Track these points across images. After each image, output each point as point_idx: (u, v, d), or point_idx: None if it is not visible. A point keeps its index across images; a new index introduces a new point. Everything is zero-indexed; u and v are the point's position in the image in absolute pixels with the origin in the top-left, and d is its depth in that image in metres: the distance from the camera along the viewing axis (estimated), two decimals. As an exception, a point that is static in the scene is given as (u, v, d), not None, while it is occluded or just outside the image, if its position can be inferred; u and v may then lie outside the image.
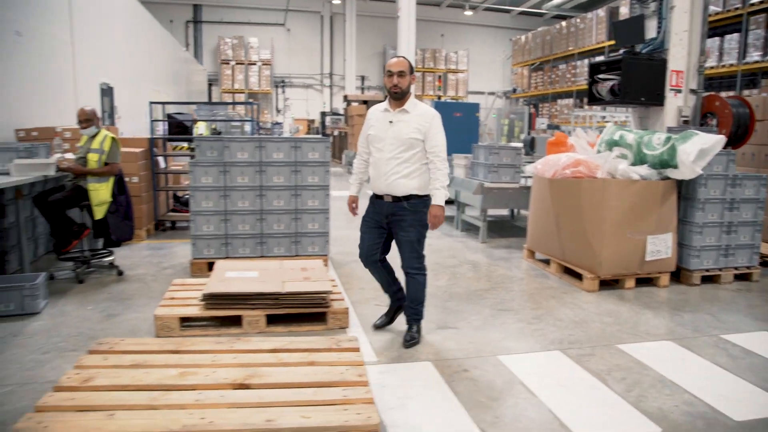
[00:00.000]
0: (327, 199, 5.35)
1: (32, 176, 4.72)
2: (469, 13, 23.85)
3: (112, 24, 10.00)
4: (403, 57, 3.54)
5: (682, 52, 6.17)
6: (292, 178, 5.19)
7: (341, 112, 20.31)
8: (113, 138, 5.06)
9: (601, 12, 17.22)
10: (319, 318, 4.04)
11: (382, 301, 4.68)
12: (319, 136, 17.17)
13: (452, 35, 24.88)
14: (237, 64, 21.73)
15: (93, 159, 4.95)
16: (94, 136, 5.07)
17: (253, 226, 5.20)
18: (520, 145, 8.86)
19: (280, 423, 2.18)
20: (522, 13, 24.31)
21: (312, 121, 22.78)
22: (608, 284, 5.18)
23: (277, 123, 18.93)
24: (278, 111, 22.57)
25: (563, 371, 3.49)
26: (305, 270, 4.37)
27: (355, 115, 12.67)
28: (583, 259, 5.16)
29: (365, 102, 15.80)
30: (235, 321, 3.89)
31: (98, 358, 2.70)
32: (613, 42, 16.42)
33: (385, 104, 3.63)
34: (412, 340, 3.77)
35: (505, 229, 7.98)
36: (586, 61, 18.25)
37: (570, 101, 19.36)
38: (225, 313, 3.85)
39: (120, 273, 5.23)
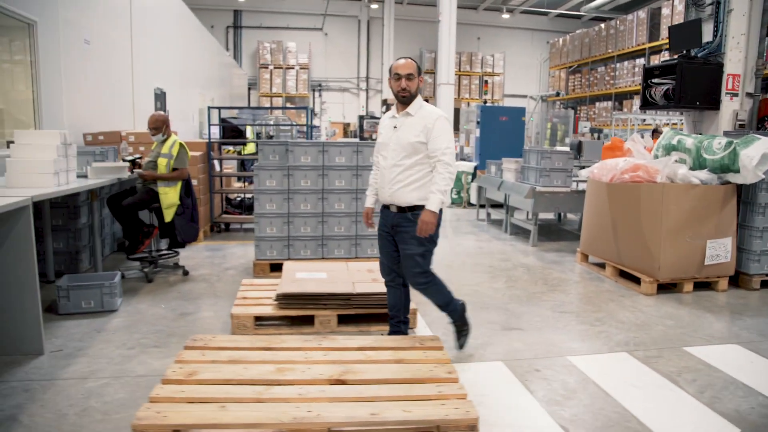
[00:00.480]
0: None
1: (108, 179, 4.94)
2: (506, 16, 23.79)
3: (165, 30, 10.31)
4: (410, 58, 3.37)
5: (739, 56, 6.14)
6: (353, 181, 5.32)
7: (378, 115, 20.46)
8: (182, 144, 5.26)
9: (642, 13, 17.03)
10: (386, 318, 4.14)
11: (444, 303, 4.78)
12: (357, 139, 17.34)
13: (489, 38, 24.81)
14: (275, 68, 22.06)
15: (162, 163, 5.16)
16: (163, 142, 5.27)
17: (314, 229, 5.35)
18: (567, 149, 8.87)
19: (385, 416, 2.29)
20: (560, 15, 24.12)
21: (348, 125, 22.99)
22: (666, 288, 5.18)
23: (314, 126, 19.17)
24: (315, 114, 22.82)
25: (633, 372, 3.53)
26: (371, 272, 4.49)
27: (397, 118, 12.78)
28: (641, 262, 5.17)
29: (404, 105, 15.87)
30: (307, 320, 4.03)
31: (196, 353, 2.85)
32: (654, 44, 16.23)
33: (393, 110, 3.49)
34: (460, 334, 3.68)
35: (553, 232, 7.99)
36: (626, 63, 18.08)
37: (609, 104, 19.16)
38: (298, 312, 3.98)
39: (185, 273, 5.44)
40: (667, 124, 11.63)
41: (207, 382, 2.55)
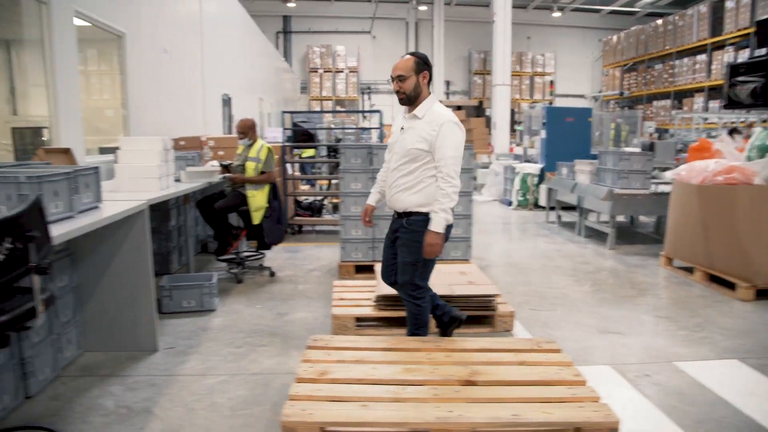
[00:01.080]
0: (470, 205, 5.46)
1: (200, 182, 5.09)
2: (557, 14, 23.46)
3: (230, 38, 10.57)
4: (410, 55, 3.08)
5: (835, 51, 5.89)
6: (436, 184, 5.33)
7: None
8: (269, 148, 5.38)
9: (703, 8, 16.51)
10: (481, 321, 4.16)
11: (536, 305, 4.76)
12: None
13: (539, 37, 24.48)
14: (325, 71, 22.30)
15: (251, 167, 5.28)
16: (250, 146, 5.40)
17: (399, 231, 5.38)
18: (636, 149, 8.70)
19: (527, 417, 2.29)
20: (612, 12, 23.63)
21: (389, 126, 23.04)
22: (765, 294, 5.01)
23: (365, 129, 19.28)
24: (364, 117, 22.97)
25: (748, 380, 3.43)
26: (464, 273, 4.50)
27: (454, 120, 12.77)
28: (736, 267, 5.02)
29: (459, 107, 15.85)
30: (405, 322, 4.06)
31: (321, 353, 2.91)
32: (717, 39, 15.73)
33: (405, 110, 3.22)
34: None
35: (627, 235, 7.83)
36: (685, 60, 17.59)
37: (667, 102, 18.68)
38: (397, 314, 4.02)
39: (272, 274, 5.55)
40: (744, 122, 11.26)
41: (340, 381, 2.60)
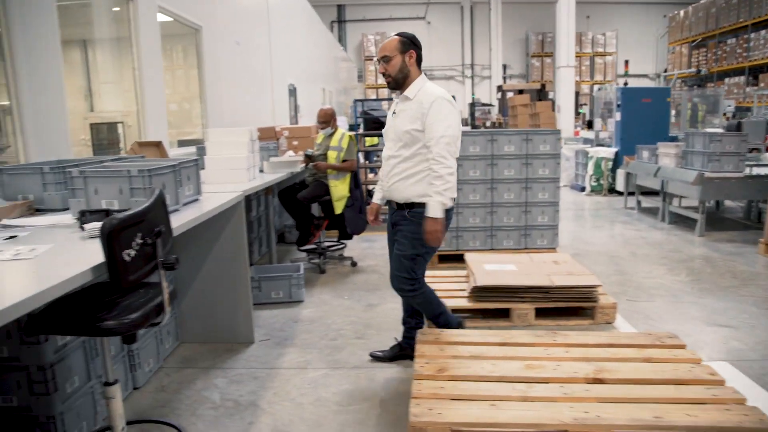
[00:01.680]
0: (557, 192, 5.26)
1: (284, 173, 5.06)
2: (619, -9, 22.52)
3: (294, 28, 10.57)
4: (395, 35, 2.90)
5: None
6: (522, 170, 5.15)
7: (485, 102, 20.06)
8: (350, 136, 5.31)
9: (783, -23, 15.47)
10: (580, 312, 3.98)
11: (633, 296, 4.53)
12: (469, 127, 17.05)
13: (599, 16, 23.58)
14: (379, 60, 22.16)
15: (332, 156, 5.22)
16: (331, 135, 5.34)
17: (483, 219, 5.23)
18: (718, 130, 8.22)
19: (671, 420, 2.13)
20: (678, -15, 22.52)
21: (453, 113, 22.74)
22: None
23: None
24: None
25: None
26: (558, 263, 4.31)
27: (519, 105, 12.40)
28: None
29: (521, 91, 15.45)
30: (501, 313, 3.94)
31: (434, 348, 2.81)
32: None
33: (397, 94, 3.02)
34: None
35: (715, 221, 7.41)
36: (762, 32, 16.55)
37: (741, 79, 17.66)
38: (495, 305, 3.89)
39: (354, 264, 5.50)
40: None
41: (461, 379, 2.50)
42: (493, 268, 4.17)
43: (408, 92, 2.87)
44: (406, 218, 2.94)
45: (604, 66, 23.28)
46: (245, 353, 3.59)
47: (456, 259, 5.35)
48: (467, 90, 23.44)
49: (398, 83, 2.87)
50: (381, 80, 22.19)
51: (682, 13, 20.91)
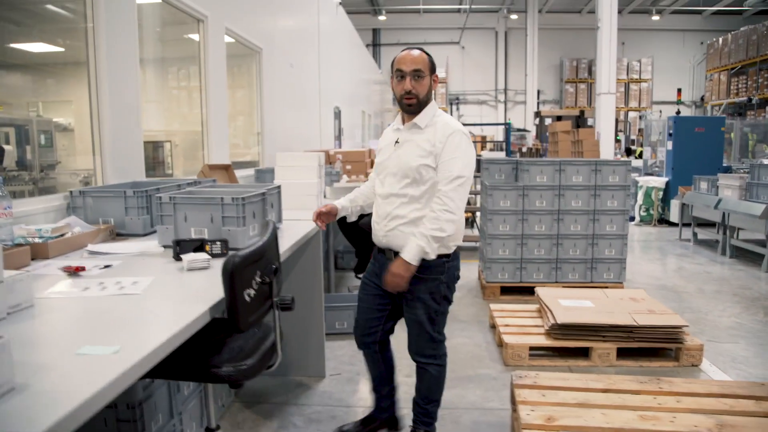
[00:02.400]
0: (626, 224, 5.05)
1: (343, 199, 4.94)
2: (656, 17, 22.36)
3: (340, 51, 10.59)
4: (420, 49, 2.41)
5: None
6: (590, 202, 4.97)
7: (519, 127, 19.90)
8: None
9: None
10: (662, 353, 3.78)
11: (712, 336, 4.30)
12: (503, 153, 16.91)
13: (634, 43, 23.38)
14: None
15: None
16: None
17: (548, 251, 5.05)
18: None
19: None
20: (716, 13, 22.28)
21: (483, 138, 22.60)
22: None
23: (493, 142, 18.85)
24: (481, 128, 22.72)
25: None
26: (636, 301, 4.10)
27: (560, 131, 12.22)
28: None
29: (559, 118, 15.27)
30: (579, 352, 3.75)
31: (535, 393, 2.63)
32: None
33: (397, 120, 2.54)
34: None
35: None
36: (807, 62, 16.22)
37: (782, 108, 17.27)
38: (576, 344, 3.70)
39: (410, 293, 5.33)
40: None
41: (575, 430, 2.31)
42: (570, 304, 3.98)
43: (419, 120, 2.40)
44: (415, 275, 2.36)
45: (639, 92, 23.00)
46: (318, 388, 3.43)
47: (518, 291, 5.17)
48: (500, 114, 23.32)
49: (419, 108, 2.40)
50: (414, 103, 22.22)
51: (720, 40, 20.64)
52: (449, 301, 2.53)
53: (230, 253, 1.63)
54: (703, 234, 7.89)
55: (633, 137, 20.09)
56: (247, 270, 1.67)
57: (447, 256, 2.44)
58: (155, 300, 1.74)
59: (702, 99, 21.38)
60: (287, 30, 6.90)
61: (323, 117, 8.82)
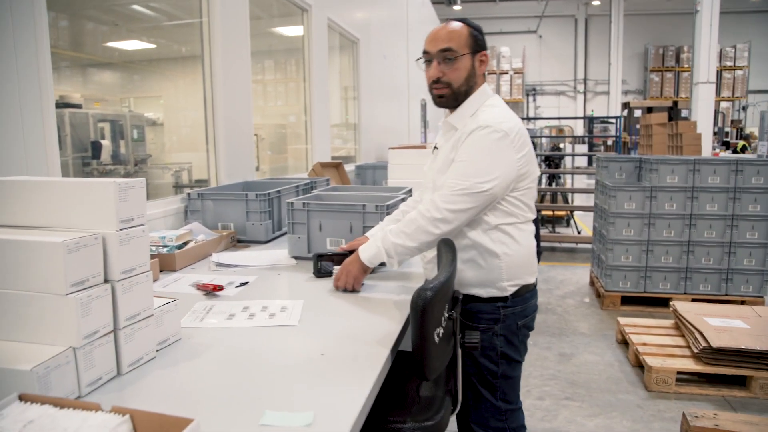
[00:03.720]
0: (769, 230, 4.48)
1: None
2: (754, -1, 20.74)
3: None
4: (460, 21, 1.75)
5: None
6: (728, 206, 4.42)
7: (612, 115, 18.93)
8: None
9: None
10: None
11: None
12: (585, 147, 16.14)
13: (726, 27, 21.70)
14: (489, 74, 21.59)
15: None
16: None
17: (677, 259, 4.54)
18: None
19: None
20: (824, -7, 20.44)
21: (561, 131, 21.70)
22: None
23: (587, 136, 18.11)
24: (528, 119, 21.92)
25: None
26: (796, 321, 3.58)
27: (655, 124, 11.39)
28: None
29: (650, 109, 14.36)
30: (732, 380, 3.28)
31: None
32: None
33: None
34: None
35: None
36: None
37: None
38: (732, 371, 3.23)
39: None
40: None
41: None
42: (720, 323, 3.50)
43: (454, 119, 1.77)
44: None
45: (733, 81, 21.45)
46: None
47: (641, 301, 4.70)
48: (579, 105, 22.34)
49: (457, 100, 1.76)
50: (488, 95, 21.60)
51: (830, 23, 18.90)
52: (513, 361, 1.80)
53: (419, 286, 1.33)
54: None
55: (727, 129, 18.78)
56: (439, 305, 1.37)
57: (502, 299, 1.74)
58: (316, 335, 1.46)
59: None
60: (380, 20, 6.63)
61: (411, 110, 8.51)
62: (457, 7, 21.28)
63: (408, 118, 8.21)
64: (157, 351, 1.31)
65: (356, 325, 1.54)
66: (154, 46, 6.73)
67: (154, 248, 2.21)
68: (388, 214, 2.18)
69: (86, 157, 5.54)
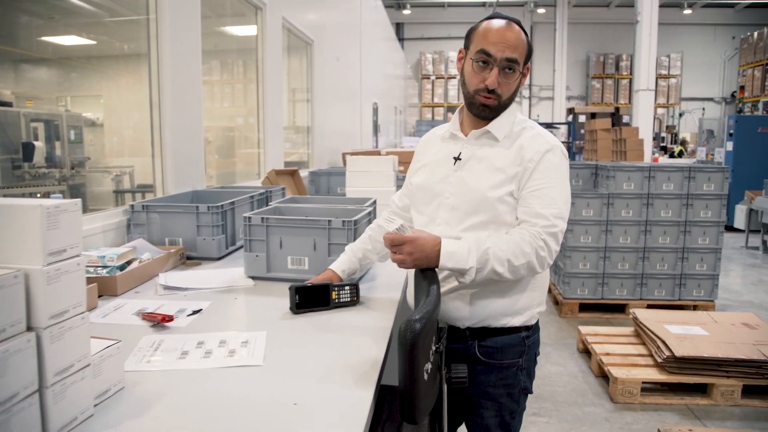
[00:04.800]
0: (720, 237, 4.54)
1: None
2: (688, 11, 21.70)
3: (377, 46, 10.13)
4: (518, 24, 1.55)
5: None
6: (681, 212, 4.47)
7: (560, 120, 19.36)
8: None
9: None
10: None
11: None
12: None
13: (662, 37, 22.58)
14: (437, 78, 21.74)
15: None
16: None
17: (634, 266, 4.56)
18: None
19: None
20: (750, 6, 21.59)
21: (508, 134, 22.09)
22: None
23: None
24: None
25: None
26: (750, 327, 3.61)
27: (599, 129, 11.66)
28: None
29: (593, 115, 14.74)
30: (696, 389, 3.29)
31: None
32: None
33: (449, 125, 1.72)
34: None
35: None
36: None
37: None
38: (695, 379, 3.23)
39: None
40: None
41: None
42: (681, 331, 3.49)
43: (495, 128, 1.58)
44: (476, 359, 1.57)
45: (668, 88, 22.37)
46: None
47: (598, 308, 4.70)
48: (524, 110, 22.71)
49: (497, 113, 1.58)
50: (438, 99, 21.70)
51: (755, 34, 19.92)
52: (529, 393, 1.68)
53: (406, 319, 1.16)
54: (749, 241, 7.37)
55: (663, 135, 19.52)
56: (427, 337, 1.21)
57: (528, 328, 1.60)
58: (286, 376, 1.27)
59: (733, 95, 20.72)
60: (334, 22, 6.46)
61: (363, 113, 8.36)
62: (406, 12, 21.33)
63: (360, 122, 8.05)
64: (95, 406, 1.09)
65: (330, 362, 1.36)
66: (94, 42, 6.32)
67: (91, 269, 1.96)
68: (355, 230, 2.01)
69: (17, 160, 5.12)
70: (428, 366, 1.23)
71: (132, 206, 2.44)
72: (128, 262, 2.08)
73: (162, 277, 2.09)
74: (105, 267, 2.00)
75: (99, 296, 1.87)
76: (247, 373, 1.29)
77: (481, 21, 1.58)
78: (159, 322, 1.61)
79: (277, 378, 1.27)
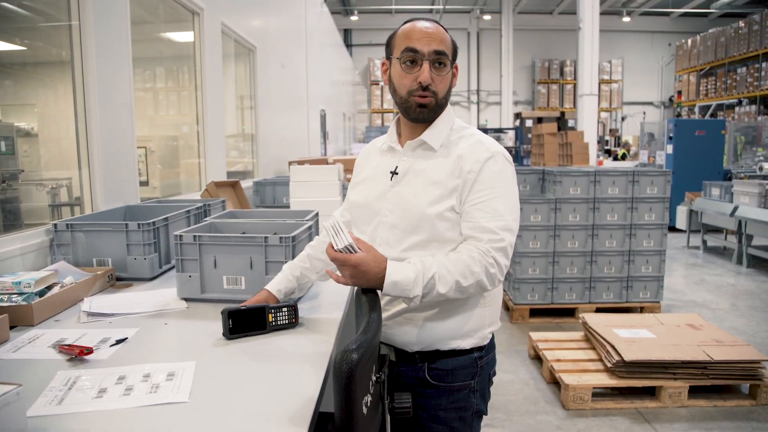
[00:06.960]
0: (664, 239, 4.64)
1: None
2: (627, 19, 22.45)
3: (324, 52, 10.03)
4: (437, 23, 1.47)
5: None
6: (627, 215, 4.54)
7: (508, 126, 19.67)
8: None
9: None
10: (734, 389, 3.37)
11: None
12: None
13: (604, 44, 23.30)
14: (385, 84, 21.76)
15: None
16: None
17: (582, 270, 4.60)
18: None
19: None
20: (684, 15, 22.52)
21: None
22: None
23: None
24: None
25: None
26: (695, 328, 3.68)
27: (546, 134, 11.89)
28: None
29: (540, 120, 15.01)
30: (645, 392, 3.32)
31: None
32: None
33: (386, 137, 1.64)
34: None
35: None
36: (776, 62, 16.40)
37: (752, 108, 17.44)
38: (644, 383, 3.26)
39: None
40: None
41: None
42: (629, 335, 3.52)
43: (429, 137, 1.48)
44: (425, 382, 1.50)
45: (610, 93, 23.10)
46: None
47: (548, 313, 4.72)
48: (473, 116, 23.05)
49: (435, 115, 1.49)
50: (387, 105, 21.71)
51: (689, 41, 20.79)
52: (483, 414, 1.60)
53: (344, 348, 1.07)
54: (712, 241, 7.62)
55: (607, 138, 20.09)
56: (366, 367, 1.13)
57: (480, 348, 1.53)
58: (214, 414, 1.16)
59: (671, 99, 21.57)
60: (278, 29, 6.32)
61: (310, 120, 8.23)
62: (354, 18, 21.29)
63: (308, 130, 7.93)
64: (-12, 463, 0.96)
65: (263, 394, 1.25)
66: (25, 48, 5.98)
67: (4, 297, 1.80)
68: (294, 246, 1.91)
69: (-63, 177, 4.77)
70: (368, 399, 1.14)
71: (55, 225, 2.26)
72: (49, 287, 1.92)
73: (86, 303, 1.94)
74: (21, 294, 1.83)
75: (12, 327, 1.70)
76: (170, 412, 1.17)
77: (398, 27, 1.52)
78: (77, 355, 1.47)
79: (204, 416, 1.15)
